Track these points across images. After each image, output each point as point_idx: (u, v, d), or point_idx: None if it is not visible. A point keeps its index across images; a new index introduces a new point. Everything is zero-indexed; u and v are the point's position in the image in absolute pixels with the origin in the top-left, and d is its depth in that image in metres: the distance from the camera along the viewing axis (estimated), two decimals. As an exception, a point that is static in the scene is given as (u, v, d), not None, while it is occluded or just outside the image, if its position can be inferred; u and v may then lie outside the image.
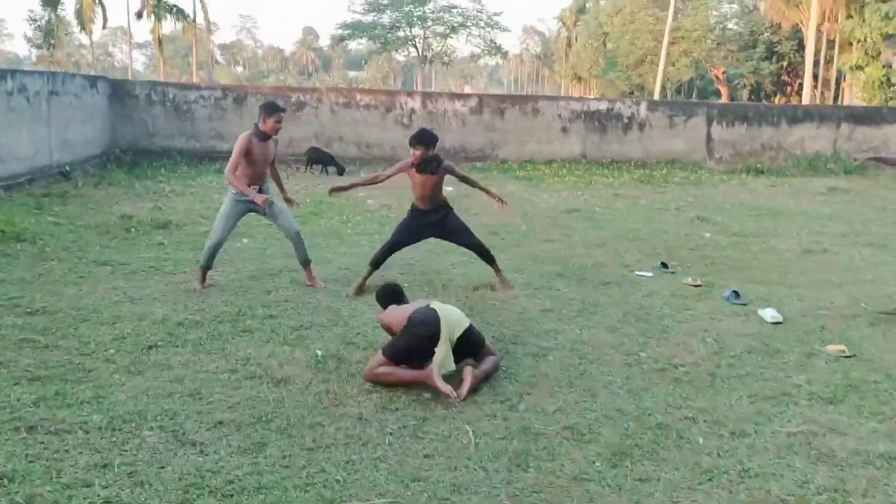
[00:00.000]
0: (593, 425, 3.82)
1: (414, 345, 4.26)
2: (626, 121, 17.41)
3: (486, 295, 6.22)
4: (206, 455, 3.40)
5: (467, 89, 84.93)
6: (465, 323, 4.39)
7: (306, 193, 11.94)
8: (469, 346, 4.38)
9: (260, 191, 6.11)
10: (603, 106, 17.70)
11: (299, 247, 6.38)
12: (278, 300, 5.93)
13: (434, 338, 4.23)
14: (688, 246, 8.59)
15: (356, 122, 16.86)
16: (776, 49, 40.58)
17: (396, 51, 45.17)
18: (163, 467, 3.26)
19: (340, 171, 14.81)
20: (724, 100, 40.71)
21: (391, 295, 4.86)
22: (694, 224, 10.08)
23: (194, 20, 40.86)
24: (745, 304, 6.13)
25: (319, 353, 4.72)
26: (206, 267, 6.26)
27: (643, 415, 3.95)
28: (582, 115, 17.30)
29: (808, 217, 11.06)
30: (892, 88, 29.50)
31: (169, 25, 42.56)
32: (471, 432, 3.69)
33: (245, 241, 8.13)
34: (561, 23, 69.48)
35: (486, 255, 6.40)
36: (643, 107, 17.84)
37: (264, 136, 6.07)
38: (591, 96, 46.02)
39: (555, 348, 4.98)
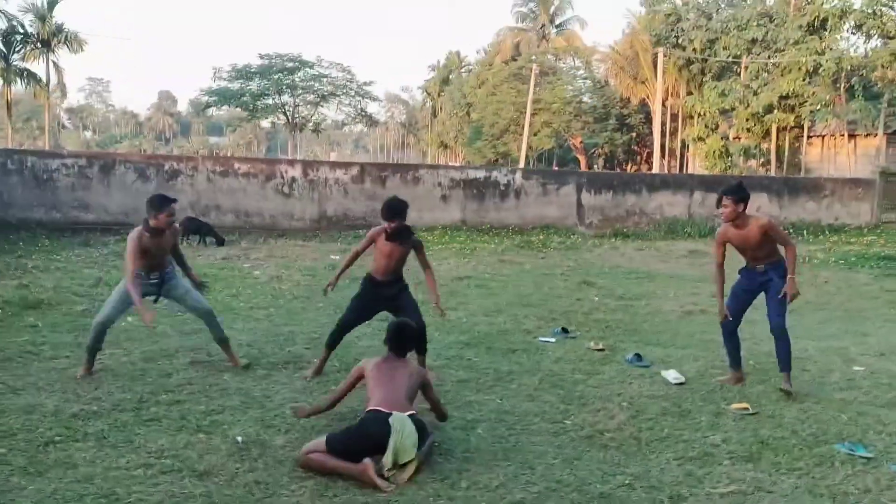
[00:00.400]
0: (538, 499, 3.80)
1: (357, 447, 3.98)
2: (502, 188, 18.05)
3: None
4: (136, 565, 3.08)
5: (333, 156, 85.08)
6: (412, 452, 3.98)
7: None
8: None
9: (161, 277, 5.77)
10: (481, 174, 18.29)
11: (213, 325, 6.00)
12: (181, 383, 5.56)
13: (379, 448, 3.95)
14: (580, 310, 8.90)
15: (234, 190, 16.45)
16: (627, 121, 43.81)
17: (265, 118, 44.68)
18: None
19: (220, 242, 14.27)
20: (582, 167, 43.21)
21: (400, 339, 4.62)
22: (581, 288, 10.49)
23: (48, 84, 38.64)
24: (647, 367, 6.39)
25: (240, 439, 4.45)
26: (95, 348, 5.75)
27: (583, 485, 3.99)
28: (461, 183, 17.78)
29: (680, 279, 11.79)
30: (730, 158, 32.51)
31: (16, 88, 40.17)
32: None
33: (130, 319, 7.58)
34: (426, 93, 71.75)
35: (422, 341, 5.66)
36: (518, 175, 18.59)
37: (157, 231, 5.72)
38: (458, 164, 47.46)
39: (481, 420, 4.96)
